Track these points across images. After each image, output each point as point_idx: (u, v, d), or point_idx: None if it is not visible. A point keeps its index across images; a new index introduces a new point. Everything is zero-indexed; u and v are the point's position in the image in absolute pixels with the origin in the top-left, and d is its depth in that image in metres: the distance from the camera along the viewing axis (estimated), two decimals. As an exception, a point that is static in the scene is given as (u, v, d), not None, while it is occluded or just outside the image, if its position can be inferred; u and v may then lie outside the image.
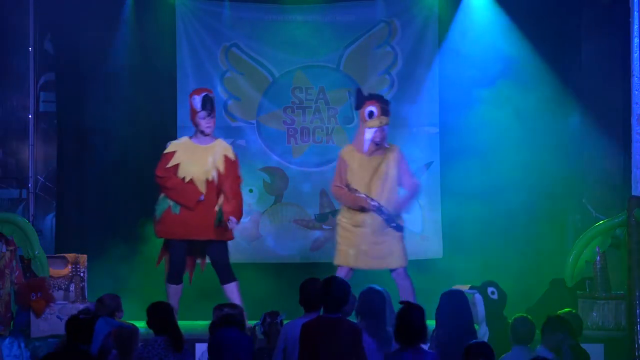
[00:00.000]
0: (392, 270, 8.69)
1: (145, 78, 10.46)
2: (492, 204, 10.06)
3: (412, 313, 5.23)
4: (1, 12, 10.21)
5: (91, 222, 10.35)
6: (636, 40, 8.55)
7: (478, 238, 10.01)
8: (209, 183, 8.57)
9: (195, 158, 8.61)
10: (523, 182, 10.12)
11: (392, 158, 8.74)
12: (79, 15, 10.17)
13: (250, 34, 10.63)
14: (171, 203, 8.60)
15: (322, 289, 5.49)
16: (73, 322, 5.50)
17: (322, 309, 5.69)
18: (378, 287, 6.17)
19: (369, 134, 8.69)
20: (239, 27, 10.64)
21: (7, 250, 8.37)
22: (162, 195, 8.72)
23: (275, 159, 10.58)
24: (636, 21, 8.56)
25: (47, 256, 8.73)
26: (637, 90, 8.52)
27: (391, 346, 5.76)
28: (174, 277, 8.65)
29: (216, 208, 8.58)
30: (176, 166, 8.60)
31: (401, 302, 5.41)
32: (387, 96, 10.12)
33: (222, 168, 8.60)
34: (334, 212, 10.52)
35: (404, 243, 8.74)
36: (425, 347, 5.49)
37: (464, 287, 7.23)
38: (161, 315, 5.90)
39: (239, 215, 8.59)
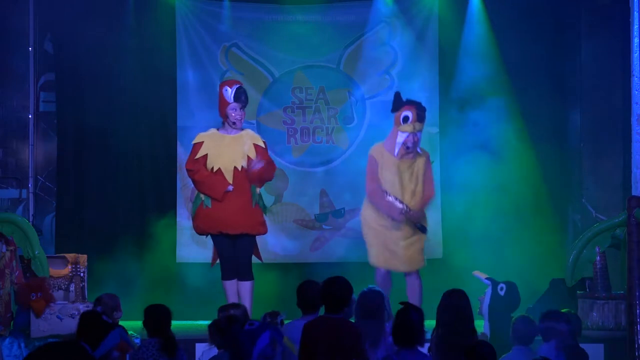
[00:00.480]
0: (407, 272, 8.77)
1: (145, 78, 10.46)
2: (492, 204, 10.06)
3: (410, 314, 5.23)
4: (1, 12, 10.21)
5: (91, 222, 10.34)
6: (636, 40, 8.55)
7: (478, 238, 10.01)
8: (237, 173, 8.40)
9: (224, 147, 8.47)
10: (523, 182, 10.13)
11: (421, 164, 8.77)
12: (79, 15, 10.17)
13: (250, 34, 10.64)
14: (203, 197, 8.47)
15: (323, 289, 5.49)
16: (92, 319, 5.45)
17: (320, 310, 5.70)
18: (377, 288, 6.17)
19: (400, 138, 8.67)
20: (239, 27, 10.64)
21: (7, 250, 8.36)
22: (196, 192, 8.68)
23: (275, 159, 10.56)
24: (636, 21, 8.56)
25: (47, 256, 8.72)
26: (637, 90, 8.52)
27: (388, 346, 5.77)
28: (226, 273, 8.55)
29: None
30: (205, 157, 8.45)
31: (401, 303, 5.41)
32: (388, 96, 10.14)
33: (253, 155, 8.48)
34: (334, 212, 10.54)
35: (424, 244, 8.85)
36: (423, 349, 5.49)
37: (482, 275, 7.27)
38: (157, 318, 5.88)
39: (264, 162, 8.43)
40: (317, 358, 5.27)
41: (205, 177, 8.43)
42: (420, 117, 8.71)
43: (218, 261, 8.70)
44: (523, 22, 10.37)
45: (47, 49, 10.47)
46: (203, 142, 8.52)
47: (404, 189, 8.67)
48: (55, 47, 10.46)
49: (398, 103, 8.77)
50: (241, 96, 8.47)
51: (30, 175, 10.28)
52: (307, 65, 10.66)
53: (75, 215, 10.40)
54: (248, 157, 8.44)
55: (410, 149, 8.69)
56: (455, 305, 5.90)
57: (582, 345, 6.27)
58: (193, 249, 10.39)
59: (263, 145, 8.57)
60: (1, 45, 10.24)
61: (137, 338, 6.87)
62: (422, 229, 8.76)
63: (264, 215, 8.61)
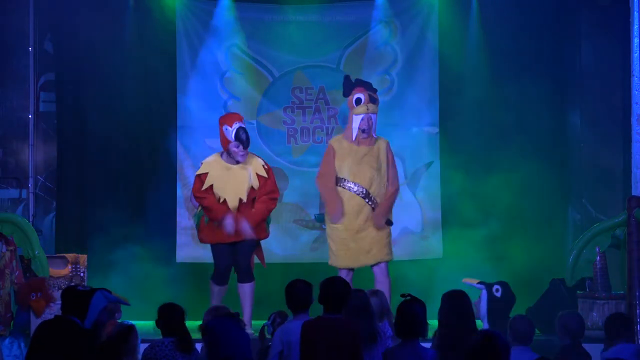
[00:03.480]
0: (373, 265, 8.58)
1: (145, 78, 10.46)
2: (492, 204, 10.06)
3: (413, 306, 5.23)
4: (1, 12, 10.21)
5: (91, 222, 10.34)
6: (636, 40, 8.55)
7: (478, 238, 10.01)
8: (242, 204, 8.52)
9: (229, 179, 8.53)
10: (523, 182, 10.12)
11: (382, 149, 8.60)
12: (79, 15, 10.17)
13: (250, 34, 10.63)
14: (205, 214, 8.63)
15: (322, 289, 5.49)
16: (69, 293, 5.36)
17: (310, 309, 5.71)
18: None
19: (356, 122, 8.54)
20: (239, 27, 10.64)
21: (7, 250, 8.36)
22: (199, 207, 8.73)
23: (275, 159, 10.57)
24: (636, 21, 8.56)
25: (47, 256, 8.72)
26: (637, 90, 8.52)
27: (380, 341, 5.78)
28: (217, 278, 8.63)
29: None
30: (211, 187, 8.53)
31: (402, 295, 5.41)
32: (387, 96, 10.15)
33: (256, 186, 8.56)
34: (334, 212, 10.53)
35: (391, 238, 8.64)
36: (426, 345, 5.48)
37: (473, 281, 7.24)
38: (171, 317, 5.85)
39: (252, 220, 8.51)
40: (317, 358, 5.27)
41: (213, 203, 8.50)
42: (373, 98, 8.56)
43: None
44: (523, 22, 10.37)
45: (47, 49, 10.46)
46: (208, 172, 8.55)
47: (364, 173, 8.51)
48: (55, 47, 10.46)
49: (348, 86, 8.66)
50: (242, 136, 8.46)
51: (30, 175, 10.27)
52: (307, 65, 10.66)
53: (75, 215, 10.40)
54: (252, 188, 8.51)
55: (367, 131, 8.52)
56: (457, 306, 5.90)
57: (584, 345, 6.28)
58: (193, 249, 10.39)
59: (266, 175, 8.58)
60: (1, 45, 10.23)
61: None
62: (388, 222, 8.58)
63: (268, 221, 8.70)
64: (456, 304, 5.91)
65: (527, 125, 10.33)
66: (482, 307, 6.86)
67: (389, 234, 8.65)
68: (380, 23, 10.64)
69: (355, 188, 8.53)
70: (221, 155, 8.64)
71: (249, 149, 8.62)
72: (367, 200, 8.52)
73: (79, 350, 4.99)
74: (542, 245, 10.09)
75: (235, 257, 8.62)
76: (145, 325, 7.82)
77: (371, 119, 8.53)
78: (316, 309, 5.61)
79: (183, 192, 10.48)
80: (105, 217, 10.30)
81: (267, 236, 8.78)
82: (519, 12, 10.36)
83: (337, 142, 8.68)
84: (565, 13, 10.48)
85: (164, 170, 10.54)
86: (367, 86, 8.67)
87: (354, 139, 8.57)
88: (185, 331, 5.79)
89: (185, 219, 10.44)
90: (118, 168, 10.47)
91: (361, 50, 10.64)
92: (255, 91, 10.58)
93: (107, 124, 10.38)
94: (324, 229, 10.52)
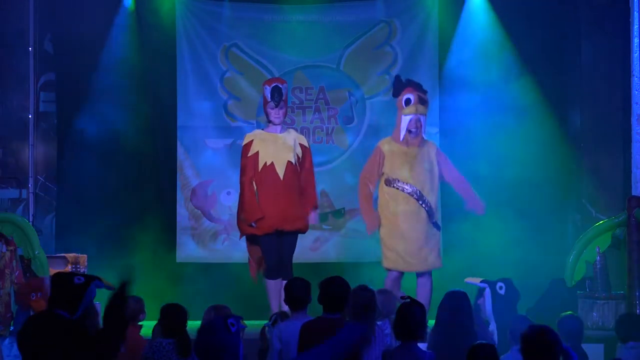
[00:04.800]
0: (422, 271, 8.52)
1: (145, 78, 10.46)
2: (492, 204, 10.04)
3: (412, 309, 5.23)
4: (1, 12, 10.20)
5: (91, 222, 10.34)
6: (636, 40, 8.55)
7: (478, 238, 10.00)
8: (289, 165, 8.41)
9: (272, 144, 8.45)
10: (523, 182, 10.12)
11: (431, 151, 8.56)
12: (79, 16, 10.17)
13: (250, 34, 10.64)
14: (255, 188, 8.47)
15: (321, 289, 5.49)
16: (64, 284, 4.86)
17: (307, 308, 5.73)
18: (369, 287, 6.12)
19: (404, 122, 8.48)
20: (239, 27, 10.64)
21: (7, 250, 8.36)
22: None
23: (275, 159, 10.56)
24: (636, 21, 8.56)
25: (47, 256, 8.72)
26: (637, 90, 8.52)
27: (376, 340, 5.79)
28: (272, 271, 8.47)
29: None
30: (256, 154, 8.45)
31: (402, 298, 5.42)
32: (387, 96, 10.13)
33: (300, 154, 8.49)
34: (334, 212, 10.53)
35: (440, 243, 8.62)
36: (423, 346, 5.48)
37: (476, 280, 7.22)
38: (174, 318, 5.83)
39: (315, 205, 8.54)
40: None
41: (249, 199, 8.41)
42: (422, 99, 8.51)
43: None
44: (522, 22, 10.36)
45: (47, 49, 10.46)
46: (252, 140, 8.52)
47: (417, 174, 8.43)
48: (55, 47, 10.46)
49: (399, 86, 8.61)
50: (274, 95, 8.43)
51: (30, 175, 10.27)
52: (307, 65, 10.66)
53: (75, 215, 10.39)
54: (297, 156, 8.46)
55: (414, 133, 8.47)
56: (456, 306, 5.90)
57: (583, 345, 6.28)
58: (193, 249, 10.40)
59: (307, 145, 8.61)
60: (1, 45, 10.23)
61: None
62: (437, 226, 8.56)
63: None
64: (455, 304, 5.91)
65: (527, 125, 10.32)
66: (487, 306, 6.85)
67: (439, 239, 8.62)
68: (380, 23, 10.65)
69: (409, 189, 8.45)
70: (263, 129, 8.67)
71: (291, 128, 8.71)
72: (420, 202, 8.45)
73: (68, 346, 4.71)
74: (542, 245, 10.09)
75: (281, 251, 8.53)
76: (145, 325, 7.81)
77: (420, 120, 8.49)
78: (315, 309, 5.61)
79: (183, 192, 10.49)
80: (105, 217, 10.30)
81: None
82: (518, 12, 10.36)
83: (387, 144, 8.60)
84: (565, 13, 10.48)
85: (164, 170, 10.55)
86: (417, 87, 8.60)
87: (402, 139, 8.52)
88: (185, 333, 5.78)
89: (185, 219, 10.44)
90: (118, 168, 10.46)
91: (361, 50, 10.64)
92: (256, 91, 10.58)
93: (107, 124, 10.37)
94: (324, 229, 10.55)
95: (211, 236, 10.50)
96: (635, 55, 8.52)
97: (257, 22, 10.66)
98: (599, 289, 8.73)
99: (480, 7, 10.51)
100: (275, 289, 8.35)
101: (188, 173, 10.47)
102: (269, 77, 10.64)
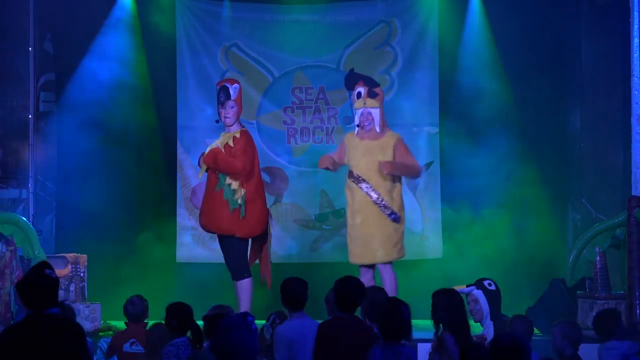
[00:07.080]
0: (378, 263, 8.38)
1: (145, 78, 10.47)
2: (492, 204, 10.06)
3: (398, 308, 5.23)
4: (1, 12, 10.21)
5: (91, 222, 10.34)
6: (636, 40, 8.55)
7: (478, 238, 10.01)
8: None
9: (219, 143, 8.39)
10: (523, 182, 10.13)
11: (390, 143, 8.34)
12: (79, 16, 10.18)
13: (250, 34, 10.64)
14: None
15: (336, 289, 5.49)
16: (49, 283, 4.50)
17: (305, 308, 5.71)
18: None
19: (357, 116, 8.40)
20: (239, 27, 10.65)
21: (7, 250, 8.37)
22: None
23: (275, 159, 10.58)
24: (636, 21, 8.56)
25: (47, 256, 8.72)
26: (637, 90, 8.52)
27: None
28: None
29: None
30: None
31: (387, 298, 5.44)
32: (387, 96, 10.13)
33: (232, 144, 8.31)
34: (334, 212, 10.54)
35: (402, 236, 8.38)
36: (426, 345, 5.48)
37: (463, 287, 7.17)
38: (181, 316, 5.83)
39: (209, 158, 8.26)
40: (335, 357, 5.27)
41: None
42: (372, 92, 8.35)
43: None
44: (523, 22, 10.37)
45: (47, 49, 10.46)
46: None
47: (366, 169, 8.26)
48: (55, 47, 10.46)
49: (350, 80, 8.51)
50: (219, 94, 8.39)
51: (30, 175, 10.27)
52: (307, 65, 10.67)
53: (75, 215, 10.39)
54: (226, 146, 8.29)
55: (366, 127, 8.31)
56: (450, 305, 5.87)
57: (582, 345, 6.27)
58: (193, 249, 10.40)
59: (239, 137, 8.29)
60: (1, 45, 10.23)
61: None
62: (396, 219, 8.28)
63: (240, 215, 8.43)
64: (450, 303, 5.87)
65: (528, 125, 10.33)
66: (484, 306, 6.80)
67: (397, 232, 8.37)
68: (380, 23, 10.65)
69: (362, 183, 8.30)
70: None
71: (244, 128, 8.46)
72: (370, 196, 8.25)
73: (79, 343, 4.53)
74: (542, 245, 10.09)
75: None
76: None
77: (370, 113, 8.33)
78: (315, 308, 5.62)
79: (183, 192, 10.49)
80: (105, 217, 10.30)
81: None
82: (519, 13, 10.36)
83: (349, 137, 8.55)
84: (565, 13, 10.48)
85: (164, 170, 10.55)
86: (368, 81, 8.50)
87: (356, 133, 8.46)
88: (197, 326, 5.80)
89: (185, 219, 10.44)
90: (118, 168, 10.46)
91: (361, 50, 10.64)
92: (256, 91, 10.58)
93: (107, 124, 10.37)
94: (324, 229, 10.55)
95: (211, 236, 10.48)
96: (635, 55, 8.51)
97: (257, 22, 10.66)
98: (599, 289, 8.72)
99: (480, 7, 10.51)
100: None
101: (188, 173, 10.48)
102: (269, 77, 10.67)
